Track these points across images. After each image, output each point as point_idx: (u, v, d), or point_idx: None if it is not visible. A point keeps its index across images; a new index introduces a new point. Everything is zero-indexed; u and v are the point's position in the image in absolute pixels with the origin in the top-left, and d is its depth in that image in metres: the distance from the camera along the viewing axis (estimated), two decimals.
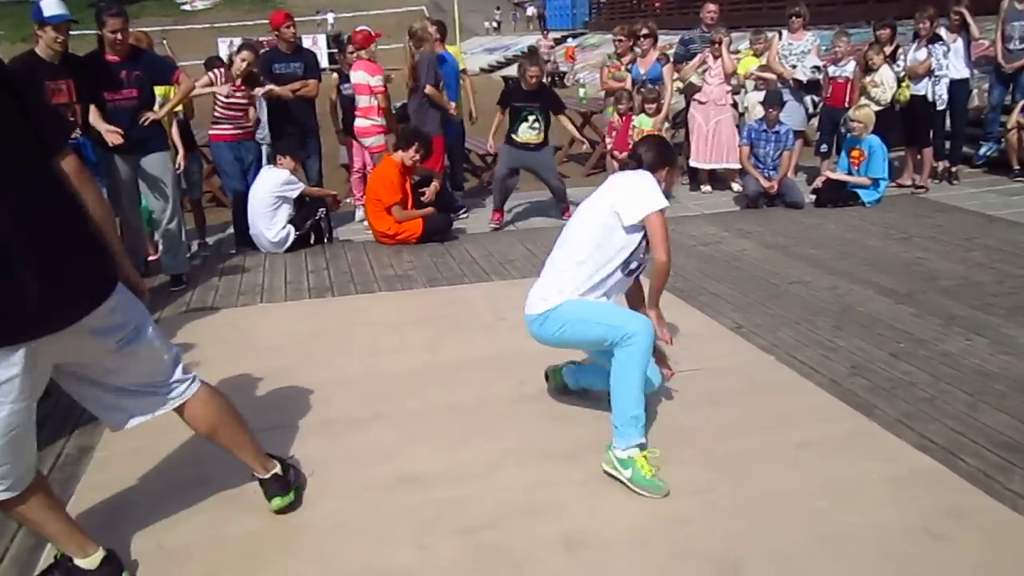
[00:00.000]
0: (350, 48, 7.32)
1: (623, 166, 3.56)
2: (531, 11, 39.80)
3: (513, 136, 6.86)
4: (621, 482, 2.90)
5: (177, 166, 5.96)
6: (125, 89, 5.10)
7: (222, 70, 6.34)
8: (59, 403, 3.72)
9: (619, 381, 2.98)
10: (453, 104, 7.32)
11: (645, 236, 3.12)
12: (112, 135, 4.94)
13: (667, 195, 3.21)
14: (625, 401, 2.96)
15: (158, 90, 5.46)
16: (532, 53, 7.35)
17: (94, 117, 5.01)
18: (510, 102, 6.81)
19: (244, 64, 6.28)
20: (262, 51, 7.38)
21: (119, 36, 4.98)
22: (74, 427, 3.53)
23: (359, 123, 7.00)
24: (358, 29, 7.25)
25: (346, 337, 4.54)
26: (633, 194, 3.12)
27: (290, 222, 6.36)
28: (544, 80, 6.99)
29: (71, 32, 4.83)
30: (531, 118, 6.73)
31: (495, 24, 40.57)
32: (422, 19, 7.70)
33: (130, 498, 2.95)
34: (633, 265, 3.19)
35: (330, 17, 37.85)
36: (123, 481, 3.05)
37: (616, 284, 3.19)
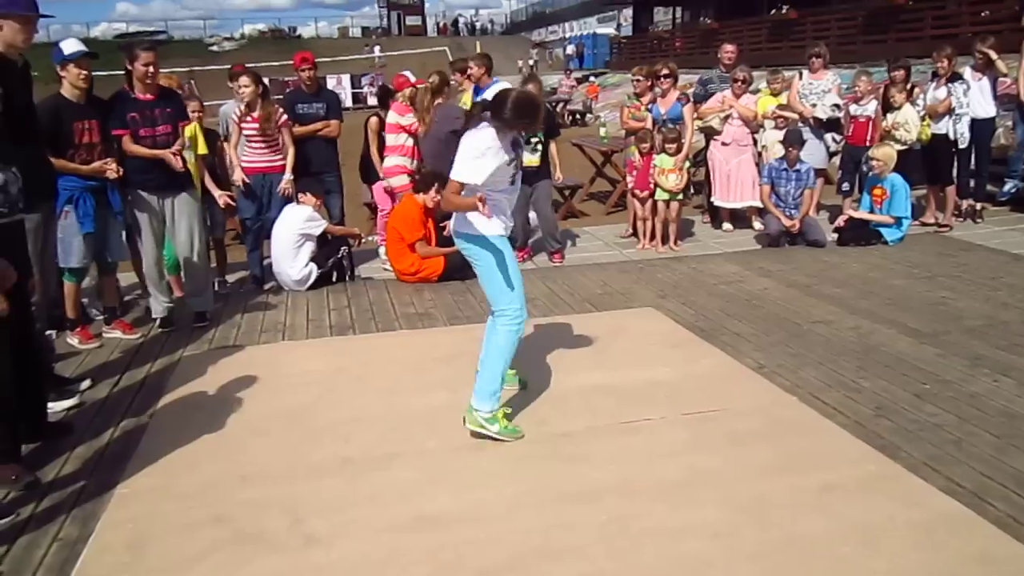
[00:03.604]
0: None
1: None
2: (570, 49, 40.19)
3: None
4: (490, 437, 3.57)
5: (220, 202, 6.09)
6: (160, 126, 5.15)
7: (236, 109, 6.41)
8: (81, 439, 3.77)
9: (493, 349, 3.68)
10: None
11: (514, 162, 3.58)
12: (171, 159, 5.04)
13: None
14: (494, 372, 3.62)
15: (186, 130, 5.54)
16: (530, 76, 7.43)
17: (141, 149, 5.06)
18: None
19: (246, 89, 6.25)
20: (287, 91, 7.53)
21: (150, 70, 5.02)
22: (96, 463, 3.55)
23: (386, 161, 7.15)
24: (399, 74, 7.51)
25: (367, 375, 4.55)
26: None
27: (312, 260, 6.42)
28: (547, 106, 7.02)
29: (96, 72, 4.92)
30: (533, 140, 6.72)
31: (531, 63, 40.78)
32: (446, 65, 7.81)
33: (149, 535, 2.95)
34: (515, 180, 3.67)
35: (377, 51, 38.82)
36: (143, 518, 3.06)
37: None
